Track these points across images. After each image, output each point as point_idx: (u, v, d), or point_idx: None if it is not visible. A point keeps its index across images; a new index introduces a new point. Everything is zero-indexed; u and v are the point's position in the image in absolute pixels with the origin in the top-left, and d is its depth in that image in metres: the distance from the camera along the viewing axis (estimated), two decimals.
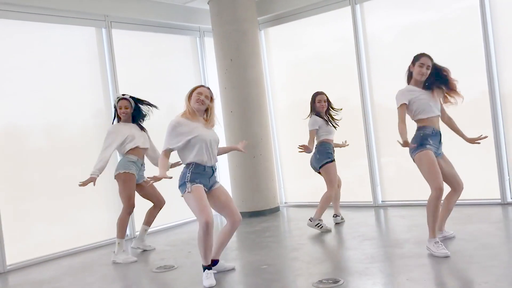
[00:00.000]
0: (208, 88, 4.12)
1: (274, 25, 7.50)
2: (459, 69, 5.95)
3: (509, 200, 5.80)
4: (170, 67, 7.16)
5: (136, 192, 5.20)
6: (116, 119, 5.26)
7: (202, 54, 7.56)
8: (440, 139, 4.31)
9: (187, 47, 7.48)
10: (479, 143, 4.45)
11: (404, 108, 4.21)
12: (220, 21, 6.96)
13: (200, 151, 3.94)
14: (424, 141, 4.18)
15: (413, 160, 4.24)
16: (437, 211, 4.08)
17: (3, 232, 5.16)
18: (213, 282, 3.90)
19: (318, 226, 5.46)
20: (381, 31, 6.61)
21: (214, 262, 4.16)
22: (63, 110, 5.93)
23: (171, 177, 3.81)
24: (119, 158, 5.41)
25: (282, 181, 7.59)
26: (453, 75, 4.38)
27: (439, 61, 6.19)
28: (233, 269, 4.29)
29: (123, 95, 5.29)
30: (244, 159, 6.88)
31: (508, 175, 5.81)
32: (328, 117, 5.62)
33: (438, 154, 4.29)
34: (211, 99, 4.10)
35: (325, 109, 5.60)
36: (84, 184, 4.80)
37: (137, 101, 5.30)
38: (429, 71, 4.27)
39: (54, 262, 5.36)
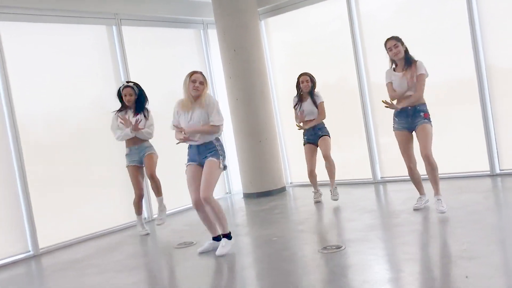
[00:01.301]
0: (201, 73, 4.51)
1: (274, 15, 7.90)
2: (449, 48, 6.42)
3: (497, 171, 6.23)
4: (177, 59, 7.58)
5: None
6: (121, 106, 5.68)
7: (206, 46, 7.99)
8: (409, 114, 4.79)
9: (192, 39, 7.89)
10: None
11: (389, 85, 4.93)
12: (222, 13, 7.37)
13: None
14: (393, 121, 4.94)
15: None
16: (413, 180, 5.04)
17: (34, 218, 5.65)
18: (206, 248, 4.57)
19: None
20: (375, 9, 6.97)
21: (215, 238, 4.66)
22: (72, 103, 6.24)
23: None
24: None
25: (287, 162, 8.07)
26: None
27: (430, 40, 6.61)
28: (222, 255, 4.45)
29: (127, 82, 5.74)
30: (250, 144, 7.35)
31: (497, 148, 6.23)
32: (312, 96, 6.05)
33: (415, 126, 4.79)
34: (205, 83, 4.51)
35: (309, 89, 6.05)
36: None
37: (140, 91, 5.68)
38: (398, 48, 4.80)
39: (82, 244, 5.86)
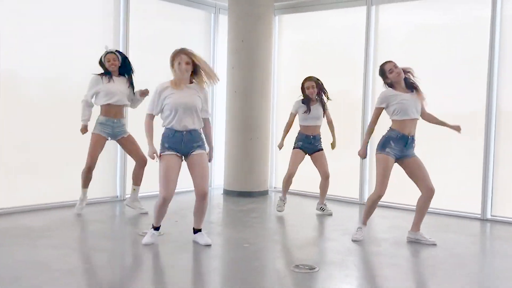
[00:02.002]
0: (185, 53, 4.11)
1: (289, 13, 7.60)
2: (461, 77, 6.15)
3: (488, 216, 5.98)
4: (181, 37, 7.25)
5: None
6: (103, 74, 5.39)
7: (215, 31, 7.67)
8: (408, 143, 4.54)
9: (201, 21, 7.57)
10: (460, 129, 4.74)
11: (379, 110, 4.63)
12: (237, 0, 7.06)
13: (174, 115, 4.13)
14: (385, 144, 4.57)
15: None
16: (370, 207, 4.65)
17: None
18: (151, 241, 4.28)
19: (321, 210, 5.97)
20: (393, 29, 6.71)
21: (195, 231, 4.42)
22: (67, 64, 5.97)
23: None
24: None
25: (274, 166, 7.77)
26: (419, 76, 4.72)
27: (445, 66, 6.34)
28: (209, 245, 4.36)
29: (110, 49, 5.44)
30: (241, 140, 7.05)
31: (492, 192, 5.98)
32: (320, 102, 5.79)
33: (405, 156, 4.56)
34: (193, 58, 4.13)
35: (314, 95, 5.75)
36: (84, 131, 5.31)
37: (124, 57, 5.45)
38: (397, 70, 4.56)
39: (46, 212, 5.53)
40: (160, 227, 4.40)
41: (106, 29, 6.34)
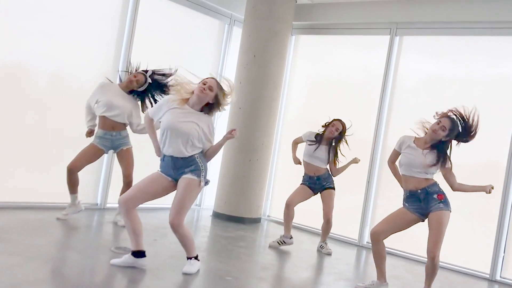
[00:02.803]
0: (217, 81, 3.78)
1: (308, 34, 7.18)
2: (484, 132, 5.65)
3: (497, 277, 5.45)
4: (190, 45, 6.82)
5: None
6: (119, 78, 5.07)
7: (227, 42, 7.24)
8: (422, 198, 3.97)
9: (214, 31, 7.15)
10: (491, 188, 4.10)
11: (394, 152, 4.20)
12: (254, 14, 6.64)
13: (161, 135, 3.74)
14: (403, 201, 4.10)
15: None
16: (373, 254, 4.11)
17: None
18: (121, 263, 3.71)
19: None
20: (414, 71, 6.27)
21: (135, 254, 3.76)
22: (72, 61, 5.62)
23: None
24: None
25: (271, 192, 7.24)
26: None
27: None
28: (187, 274, 3.80)
29: (147, 71, 5.01)
30: (239, 160, 6.54)
31: (504, 253, 5.46)
32: (331, 147, 5.37)
33: (430, 211, 3.95)
34: (220, 90, 3.77)
35: (333, 137, 5.33)
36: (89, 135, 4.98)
37: (153, 84, 5.00)
38: (444, 133, 3.94)
39: (12, 212, 5.00)
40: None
41: (110, 26, 5.92)
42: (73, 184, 4.91)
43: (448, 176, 4.07)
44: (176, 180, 3.76)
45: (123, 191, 5.02)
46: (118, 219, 5.16)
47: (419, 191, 3.97)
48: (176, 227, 3.66)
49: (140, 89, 5.00)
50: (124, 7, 5.99)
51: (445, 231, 3.92)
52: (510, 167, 5.47)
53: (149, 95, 5.04)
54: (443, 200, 3.94)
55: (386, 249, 4.12)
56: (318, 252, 5.45)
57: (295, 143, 5.59)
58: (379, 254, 4.08)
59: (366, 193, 6.34)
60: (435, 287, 4.57)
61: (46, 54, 5.39)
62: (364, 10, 6.54)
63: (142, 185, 3.72)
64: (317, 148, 5.33)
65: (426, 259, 3.98)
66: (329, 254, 5.41)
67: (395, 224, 4.03)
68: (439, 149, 3.98)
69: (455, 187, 4.11)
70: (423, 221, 4.02)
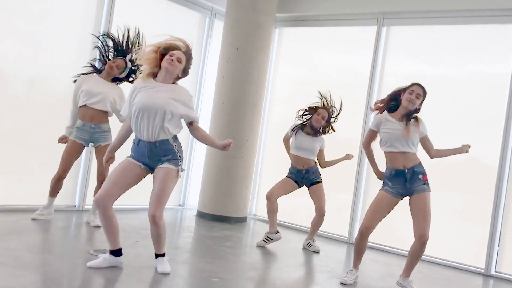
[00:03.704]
0: (185, 50, 3.56)
1: (292, 26, 6.97)
2: (476, 129, 5.53)
3: (492, 272, 5.31)
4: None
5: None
6: (95, 68, 4.82)
7: (208, 36, 7.00)
8: (408, 178, 3.90)
9: (195, 24, 6.90)
10: (468, 148, 4.17)
11: (371, 133, 4.08)
12: (236, 6, 6.41)
13: (135, 120, 3.46)
14: (384, 182, 4.05)
15: None
16: (357, 247, 4.05)
17: None
18: (98, 264, 3.49)
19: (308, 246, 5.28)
20: (399, 73, 6.07)
21: (156, 256, 3.65)
22: (52, 64, 5.38)
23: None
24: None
25: (257, 190, 7.00)
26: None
27: (458, 114, 5.79)
28: (166, 274, 3.58)
29: (125, 55, 4.82)
30: (223, 158, 6.29)
31: (498, 247, 5.33)
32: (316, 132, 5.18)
33: (414, 191, 3.90)
34: (186, 56, 3.55)
35: (320, 126, 5.12)
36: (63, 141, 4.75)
37: (132, 68, 4.83)
38: (419, 101, 3.95)
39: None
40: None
41: (86, 22, 5.63)
42: (57, 189, 4.76)
43: (426, 143, 4.08)
44: (149, 167, 3.51)
45: (97, 190, 4.76)
46: (91, 219, 4.90)
47: (406, 170, 3.88)
48: (157, 219, 3.43)
49: (122, 75, 4.81)
50: (99, 5, 5.72)
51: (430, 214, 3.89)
52: (502, 164, 5.35)
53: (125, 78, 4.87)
54: (427, 182, 3.93)
55: (379, 246, 3.99)
56: (304, 250, 5.23)
57: (286, 140, 5.35)
58: (364, 248, 4.09)
59: (355, 191, 6.16)
60: (427, 283, 4.45)
61: (22, 58, 5.13)
62: (348, 0, 6.36)
63: (115, 177, 3.45)
64: (301, 137, 5.13)
65: (415, 247, 3.88)
66: (317, 252, 5.20)
67: (380, 213, 3.97)
68: (409, 116, 3.97)
69: (432, 154, 4.14)
70: (402, 199, 3.97)
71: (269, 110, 7.07)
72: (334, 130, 5.28)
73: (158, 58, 3.49)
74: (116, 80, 4.87)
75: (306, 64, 6.91)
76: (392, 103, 4.06)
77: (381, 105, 4.10)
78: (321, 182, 5.22)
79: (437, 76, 5.91)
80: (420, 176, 3.89)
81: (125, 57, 4.84)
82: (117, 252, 3.54)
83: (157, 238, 3.55)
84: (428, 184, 3.93)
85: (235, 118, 6.30)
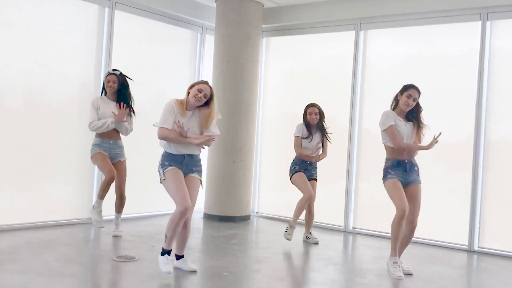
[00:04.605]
0: (210, 87, 4.09)
1: (277, 35, 7.50)
2: (449, 109, 6.07)
3: (475, 248, 5.83)
4: (166, 56, 7.10)
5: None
6: (103, 92, 5.28)
7: (201, 50, 7.52)
8: (407, 168, 4.43)
9: (187, 40, 7.43)
10: (437, 141, 4.48)
11: (394, 128, 4.41)
12: (225, 21, 6.94)
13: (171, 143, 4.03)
14: (386, 173, 4.49)
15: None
16: (398, 231, 4.35)
17: None
18: (171, 268, 3.98)
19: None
20: (380, 58, 6.64)
21: (177, 257, 4.20)
22: (48, 76, 5.78)
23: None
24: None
25: (257, 190, 7.56)
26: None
27: (432, 97, 6.30)
28: (194, 271, 4.20)
29: (114, 70, 5.28)
30: (224, 163, 6.84)
31: (479, 224, 5.85)
32: (318, 130, 5.64)
33: (409, 182, 4.44)
34: (211, 98, 4.06)
35: (316, 121, 5.62)
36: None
37: (124, 81, 5.25)
38: (414, 104, 4.46)
39: (13, 233, 5.23)
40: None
41: (88, 44, 6.16)
42: (107, 191, 5.18)
43: (417, 139, 4.48)
44: (184, 173, 4.05)
45: (117, 203, 5.31)
46: (117, 233, 5.38)
47: (406, 161, 4.42)
48: (189, 220, 4.03)
49: (121, 87, 5.20)
50: (100, 23, 6.20)
51: None
52: (477, 143, 5.84)
53: (127, 91, 5.23)
54: (419, 174, 4.49)
55: (372, 232, 4.51)
56: (305, 242, 5.75)
57: (298, 146, 5.61)
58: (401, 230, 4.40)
59: (347, 179, 6.67)
60: (415, 262, 4.95)
61: (20, 70, 5.51)
62: (328, 9, 6.87)
63: (181, 185, 3.93)
64: (312, 139, 5.60)
65: (406, 233, 4.42)
66: (317, 243, 5.72)
67: (403, 193, 4.39)
68: (413, 116, 4.48)
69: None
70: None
71: (263, 115, 7.60)
72: (324, 122, 5.71)
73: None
74: (121, 96, 5.21)
75: (293, 65, 7.45)
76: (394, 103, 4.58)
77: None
78: (316, 180, 5.70)
79: (413, 55, 6.44)
80: (416, 168, 4.47)
81: (114, 71, 5.23)
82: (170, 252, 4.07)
83: (184, 239, 4.12)
84: (419, 176, 4.47)
85: (232, 126, 6.84)
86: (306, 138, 5.61)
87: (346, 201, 6.67)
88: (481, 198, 5.86)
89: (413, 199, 4.41)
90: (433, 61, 6.26)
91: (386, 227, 6.16)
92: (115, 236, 5.34)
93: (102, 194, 5.19)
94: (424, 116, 4.63)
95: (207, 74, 7.35)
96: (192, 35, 7.47)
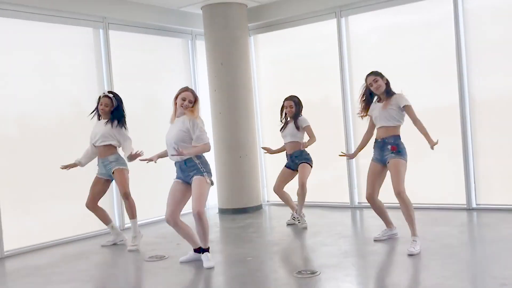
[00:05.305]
0: (192, 92, 4.47)
1: (263, 32, 7.90)
2: (434, 74, 6.46)
3: (473, 205, 6.26)
4: (162, 67, 7.50)
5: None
6: (96, 114, 5.56)
7: (194, 56, 7.92)
8: (379, 147, 4.78)
9: (180, 49, 7.82)
10: (432, 148, 4.72)
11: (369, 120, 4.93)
12: (212, 26, 7.33)
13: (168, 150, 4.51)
14: (402, 149, 4.74)
15: None
16: (375, 211, 5.01)
17: (1, 219, 5.43)
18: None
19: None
20: (364, 32, 7.03)
21: (202, 250, 4.55)
22: (38, 101, 6.05)
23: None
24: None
25: (265, 180, 8.00)
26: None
27: (415, 66, 6.62)
28: (210, 268, 4.41)
29: (109, 92, 5.55)
30: (230, 159, 7.27)
31: (474, 182, 6.27)
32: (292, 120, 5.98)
33: (383, 160, 4.77)
34: (195, 101, 4.47)
35: (292, 113, 5.97)
36: (65, 167, 5.43)
37: (120, 102, 5.47)
38: (378, 83, 4.76)
39: (47, 250, 5.65)
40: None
41: (87, 64, 6.53)
42: (100, 217, 5.57)
43: (409, 114, 4.68)
44: (188, 183, 4.46)
45: (126, 207, 5.51)
46: (133, 247, 5.46)
47: (379, 140, 4.79)
48: (200, 214, 4.26)
49: (114, 109, 5.41)
50: (97, 44, 6.59)
51: (404, 174, 4.62)
52: (463, 106, 6.24)
53: (120, 112, 5.42)
54: (395, 151, 4.63)
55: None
56: (316, 223, 6.11)
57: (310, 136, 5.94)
58: (380, 209, 4.98)
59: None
60: (422, 225, 5.31)
61: (12, 96, 5.72)
62: (307, 1, 7.27)
63: (171, 198, 4.44)
64: (286, 127, 6.01)
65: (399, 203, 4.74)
66: (305, 228, 5.82)
67: (376, 180, 4.85)
68: (387, 94, 4.76)
69: (415, 125, 4.74)
70: (385, 166, 4.77)
71: (261, 109, 8.02)
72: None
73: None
74: (115, 117, 5.40)
75: (282, 58, 7.87)
76: (369, 97, 4.90)
77: (362, 112, 4.96)
78: (306, 162, 5.91)
79: (392, 28, 6.82)
80: (389, 147, 4.65)
81: (108, 94, 5.46)
82: (197, 250, 4.56)
83: (202, 232, 4.42)
84: (398, 153, 4.61)
85: (233, 123, 7.27)
86: (280, 129, 6.07)
87: (349, 178, 7.10)
88: (473, 157, 6.25)
89: (391, 174, 4.65)
90: (412, 30, 6.65)
91: (388, 199, 6.66)
92: (129, 251, 5.36)
93: (102, 221, 5.61)
94: (408, 85, 4.92)
95: (203, 77, 7.76)
96: (183, 42, 7.86)
